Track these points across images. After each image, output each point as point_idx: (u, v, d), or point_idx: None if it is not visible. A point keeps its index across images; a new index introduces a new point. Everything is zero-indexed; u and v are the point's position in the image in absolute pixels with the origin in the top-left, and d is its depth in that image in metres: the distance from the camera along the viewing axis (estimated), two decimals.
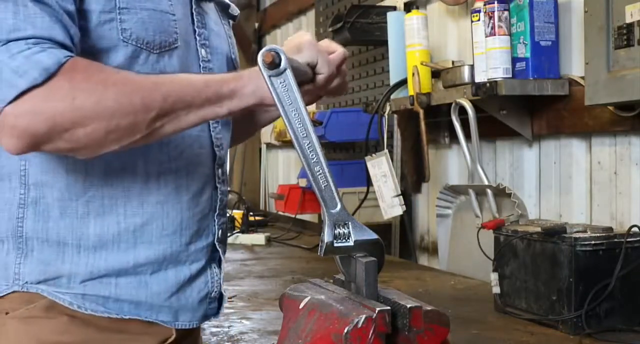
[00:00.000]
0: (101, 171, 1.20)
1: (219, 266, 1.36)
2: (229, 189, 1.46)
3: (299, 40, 1.24)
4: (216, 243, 1.34)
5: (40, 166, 1.19)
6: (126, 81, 1.09)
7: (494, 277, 2.32)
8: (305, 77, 1.22)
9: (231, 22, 1.50)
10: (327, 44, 1.32)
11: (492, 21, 2.73)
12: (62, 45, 1.07)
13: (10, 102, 1.02)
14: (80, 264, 1.20)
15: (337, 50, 1.31)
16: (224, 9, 1.46)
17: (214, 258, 1.35)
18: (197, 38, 1.31)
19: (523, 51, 2.71)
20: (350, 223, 1.07)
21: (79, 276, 1.20)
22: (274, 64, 1.05)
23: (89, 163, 1.18)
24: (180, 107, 1.11)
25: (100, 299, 1.21)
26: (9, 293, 1.20)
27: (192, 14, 1.31)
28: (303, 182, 4.37)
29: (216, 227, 1.34)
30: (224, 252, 1.38)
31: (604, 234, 2.07)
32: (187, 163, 1.27)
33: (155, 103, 1.08)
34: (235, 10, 1.50)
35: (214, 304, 1.35)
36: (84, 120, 1.04)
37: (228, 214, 1.51)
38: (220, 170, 1.35)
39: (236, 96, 1.14)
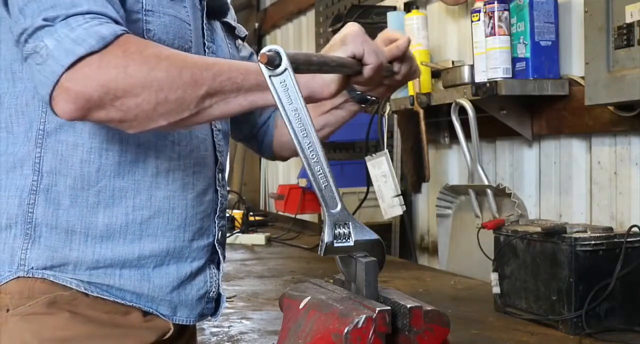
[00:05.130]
0: (115, 163, 1.23)
1: (218, 268, 1.40)
2: (228, 189, 1.48)
3: (345, 32, 1.23)
4: (216, 244, 1.38)
5: (55, 154, 1.21)
6: (178, 57, 1.11)
7: (494, 277, 2.32)
8: (351, 70, 1.21)
9: (239, 43, 1.54)
10: (388, 34, 1.34)
11: (492, 21, 2.73)
12: (116, 22, 1.11)
13: (68, 68, 1.05)
14: (87, 253, 1.22)
15: (400, 38, 1.32)
16: (229, 30, 1.50)
17: (213, 259, 1.38)
18: (206, 51, 1.36)
19: (523, 51, 2.71)
20: (350, 223, 1.07)
21: (85, 264, 1.22)
22: (273, 64, 1.05)
23: (104, 154, 1.22)
24: (229, 88, 1.11)
25: (104, 286, 1.24)
26: (12, 279, 1.21)
27: (202, 28, 1.36)
28: (303, 182, 4.37)
29: (216, 228, 1.38)
30: (223, 255, 1.41)
31: (604, 234, 2.07)
32: (194, 163, 1.31)
33: (204, 80, 1.10)
34: (242, 31, 1.55)
35: (211, 304, 1.39)
36: (135, 89, 1.06)
37: (227, 215, 1.54)
38: (220, 174, 1.39)
39: None
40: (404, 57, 1.33)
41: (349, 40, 1.21)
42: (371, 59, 1.22)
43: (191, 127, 1.27)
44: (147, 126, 1.11)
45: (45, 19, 1.06)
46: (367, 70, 1.22)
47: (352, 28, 1.23)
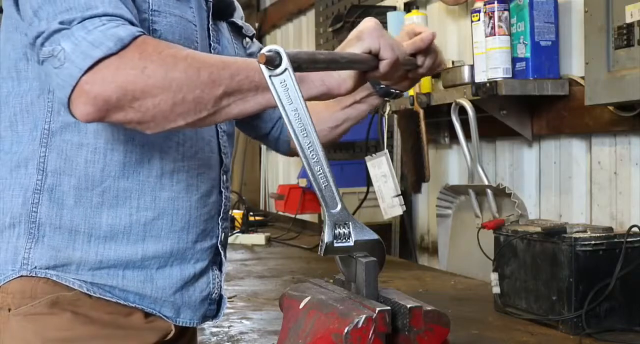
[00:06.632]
0: (119, 163, 1.23)
1: (220, 270, 1.40)
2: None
3: (361, 28, 1.21)
4: (219, 246, 1.38)
5: (60, 154, 1.21)
6: (195, 57, 1.11)
7: (494, 277, 2.32)
8: (366, 66, 1.20)
9: (247, 41, 1.53)
10: (412, 26, 1.34)
11: (492, 21, 2.73)
12: (131, 23, 1.10)
13: (86, 71, 1.04)
14: (91, 253, 1.22)
15: (424, 31, 1.32)
16: (236, 30, 1.49)
17: (215, 260, 1.38)
18: (212, 52, 1.36)
19: (523, 51, 2.71)
20: (350, 223, 1.07)
21: (88, 264, 1.22)
22: (273, 64, 1.05)
23: (108, 155, 1.22)
24: (247, 87, 1.11)
25: (107, 287, 1.24)
26: (14, 278, 1.21)
27: (208, 29, 1.36)
28: (303, 182, 4.37)
29: (220, 230, 1.38)
30: (225, 256, 1.41)
31: (604, 234, 2.07)
32: (199, 164, 1.31)
33: (222, 80, 1.09)
34: (249, 30, 1.54)
35: (213, 306, 1.39)
36: (153, 89, 1.06)
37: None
38: (225, 176, 1.38)
39: (304, 82, 1.13)
40: (428, 49, 1.33)
41: (364, 35, 1.19)
42: (387, 54, 1.20)
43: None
44: (165, 126, 1.11)
45: (61, 22, 1.06)
46: (383, 66, 1.21)
47: (368, 23, 1.22)
